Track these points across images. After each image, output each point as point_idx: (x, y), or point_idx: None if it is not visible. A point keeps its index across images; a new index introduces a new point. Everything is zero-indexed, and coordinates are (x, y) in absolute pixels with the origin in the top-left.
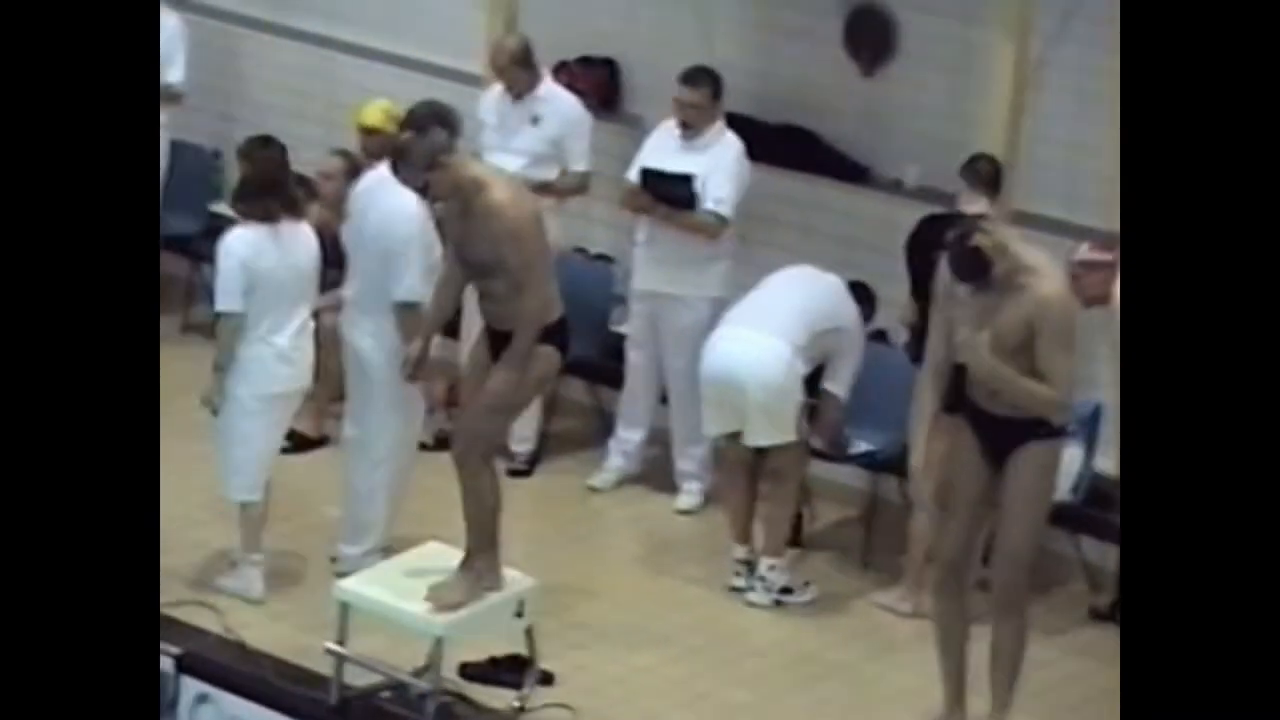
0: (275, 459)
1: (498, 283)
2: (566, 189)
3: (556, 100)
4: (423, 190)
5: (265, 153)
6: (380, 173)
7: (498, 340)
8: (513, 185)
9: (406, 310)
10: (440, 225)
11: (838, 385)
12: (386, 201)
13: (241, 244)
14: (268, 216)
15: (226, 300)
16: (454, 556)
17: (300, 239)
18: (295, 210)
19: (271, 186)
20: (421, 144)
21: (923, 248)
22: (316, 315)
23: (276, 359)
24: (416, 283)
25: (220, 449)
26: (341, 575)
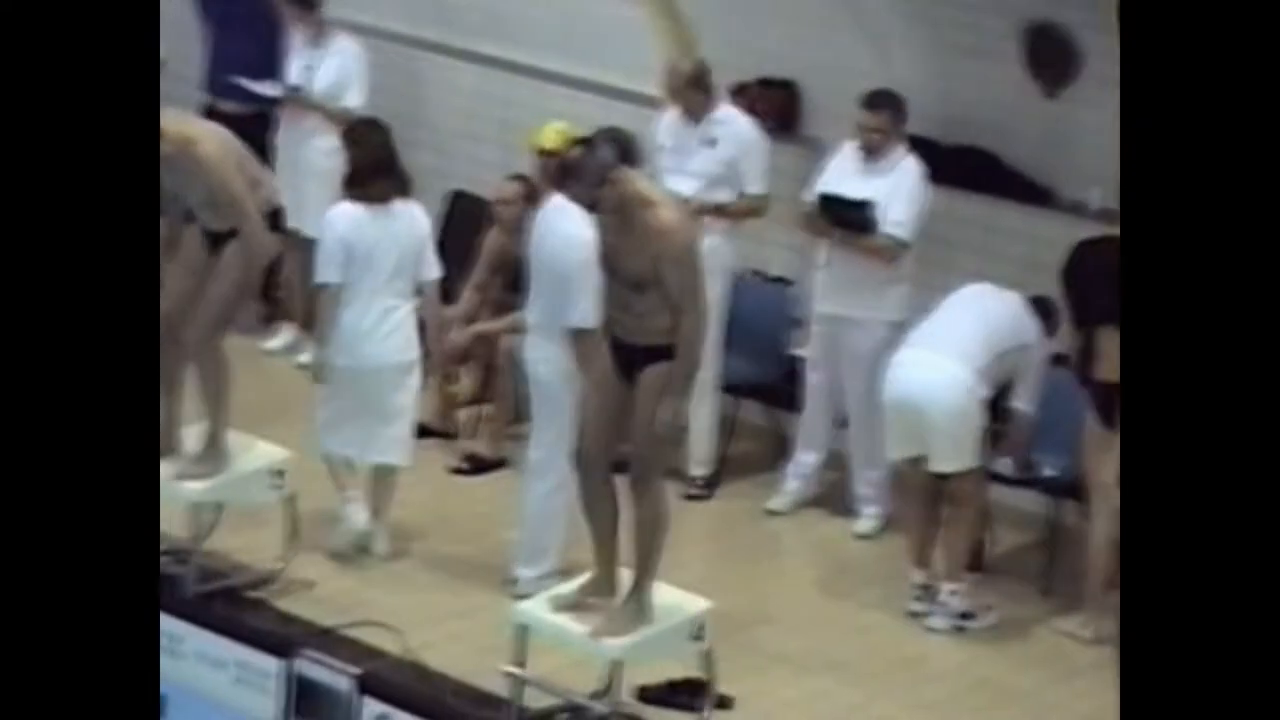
0: (437, 476)
1: (645, 299)
2: (741, 212)
3: (732, 123)
4: (592, 208)
5: (372, 135)
6: (559, 199)
7: (624, 354)
8: (680, 207)
9: (580, 336)
10: None
11: (1025, 402)
12: (563, 228)
13: (343, 220)
14: (381, 198)
15: (325, 273)
16: (629, 580)
17: (406, 219)
18: (405, 190)
19: (381, 168)
20: (591, 160)
21: (1080, 272)
22: (472, 323)
23: (370, 333)
24: (590, 309)
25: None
26: (520, 598)
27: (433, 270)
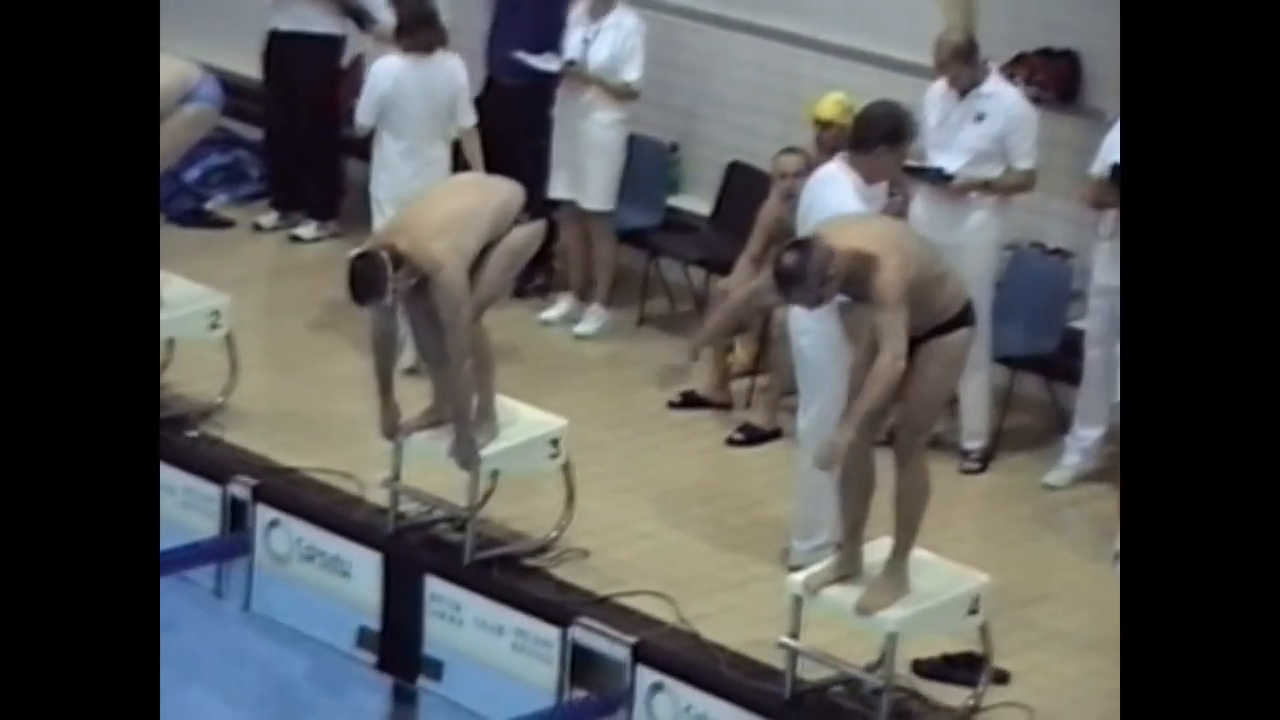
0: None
1: None
2: (1010, 187)
3: (1002, 96)
4: (819, 303)
5: None
6: (829, 169)
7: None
8: (895, 252)
9: (847, 309)
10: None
11: None
12: (831, 198)
13: (384, 74)
14: (426, 47)
15: (362, 116)
16: (917, 555)
17: (446, 70)
18: (445, 41)
19: (425, 19)
20: (809, 263)
21: None
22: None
23: (411, 176)
24: None
25: None
26: (794, 569)
27: (469, 117)
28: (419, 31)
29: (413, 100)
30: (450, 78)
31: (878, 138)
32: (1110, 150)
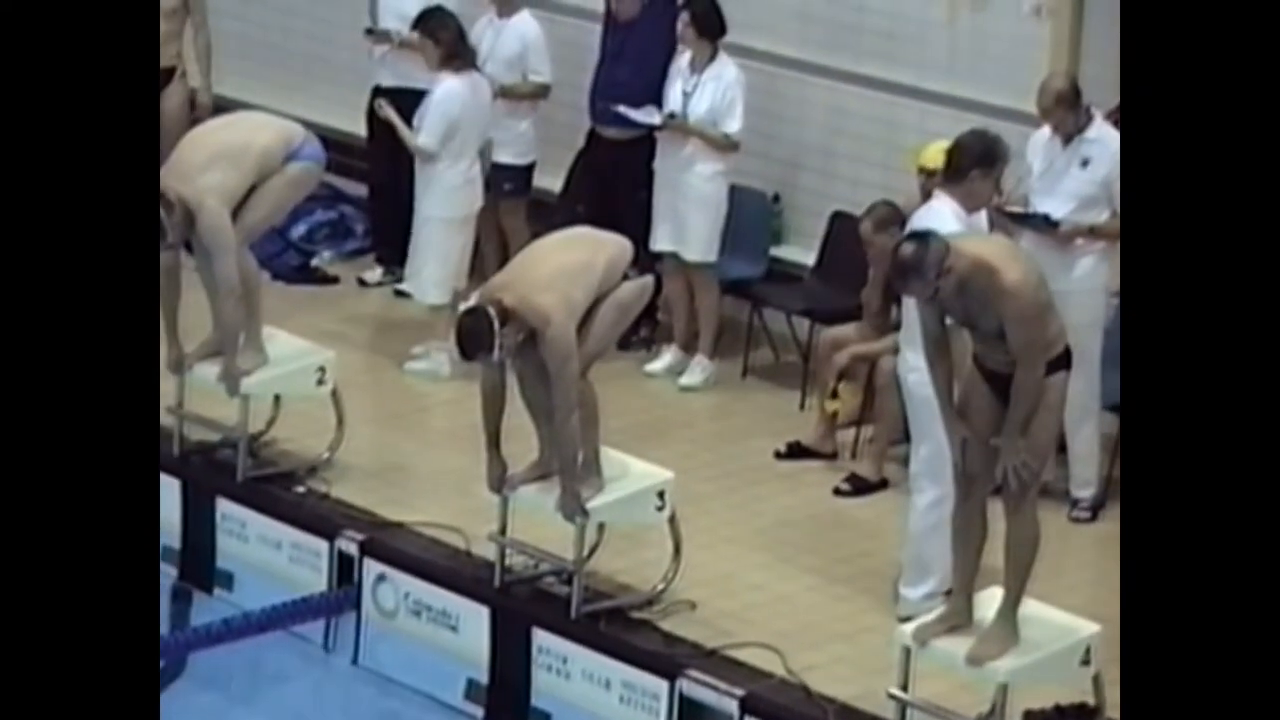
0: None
1: (1007, 342)
2: (1115, 233)
3: (1107, 141)
4: (934, 297)
5: (448, 20)
6: (931, 205)
7: (1000, 383)
8: (1018, 262)
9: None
10: None
11: None
12: (933, 225)
13: (453, 97)
14: (467, 68)
15: (433, 142)
16: (1029, 605)
17: (484, 86)
18: (476, 63)
19: (461, 44)
20: (926, 254)
21: None
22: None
23: (465, 184)
24: None
25: (421, 262)
26: (903, 619)
27: (490, 130)
28: (464, 51)
29: (473, 121)
30: (487, 96)
31: (970, 163)
32: None
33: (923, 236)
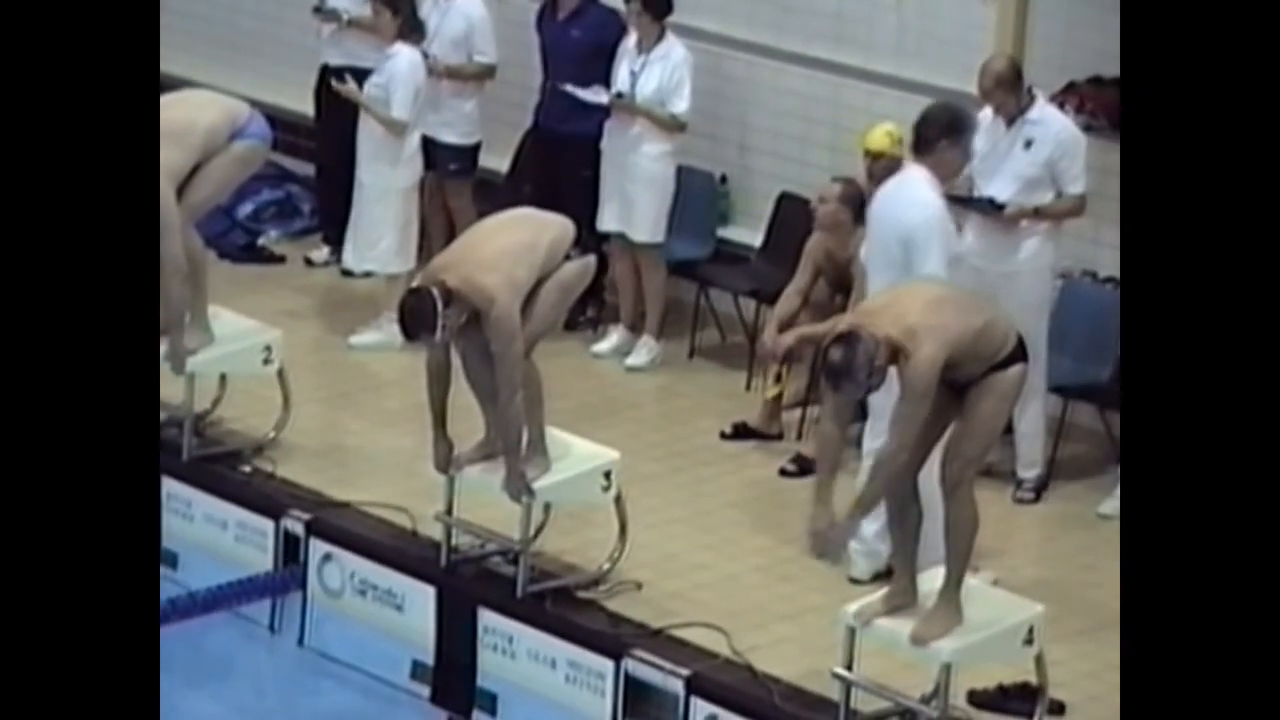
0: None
1: None
2: (1061, 212)
3: (1049, 122)
4: (869, 392)
5: None
6: (905, 171)
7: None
8: (933, 334)
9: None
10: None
11: None
12: (905, 194)
13: (416, 68)
14: (418, 40)
15: (407, 113)
16: (972, 585)
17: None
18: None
19: (415, 19)
20: (855, 357)
21: None
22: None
23: (416, 154)
24: (940, 267)
25: (378, 235)
26: (854, 580)
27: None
28: (418, 25)
29: (423, 90)
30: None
31: (938, 133)
32: None
33: (849, 339)
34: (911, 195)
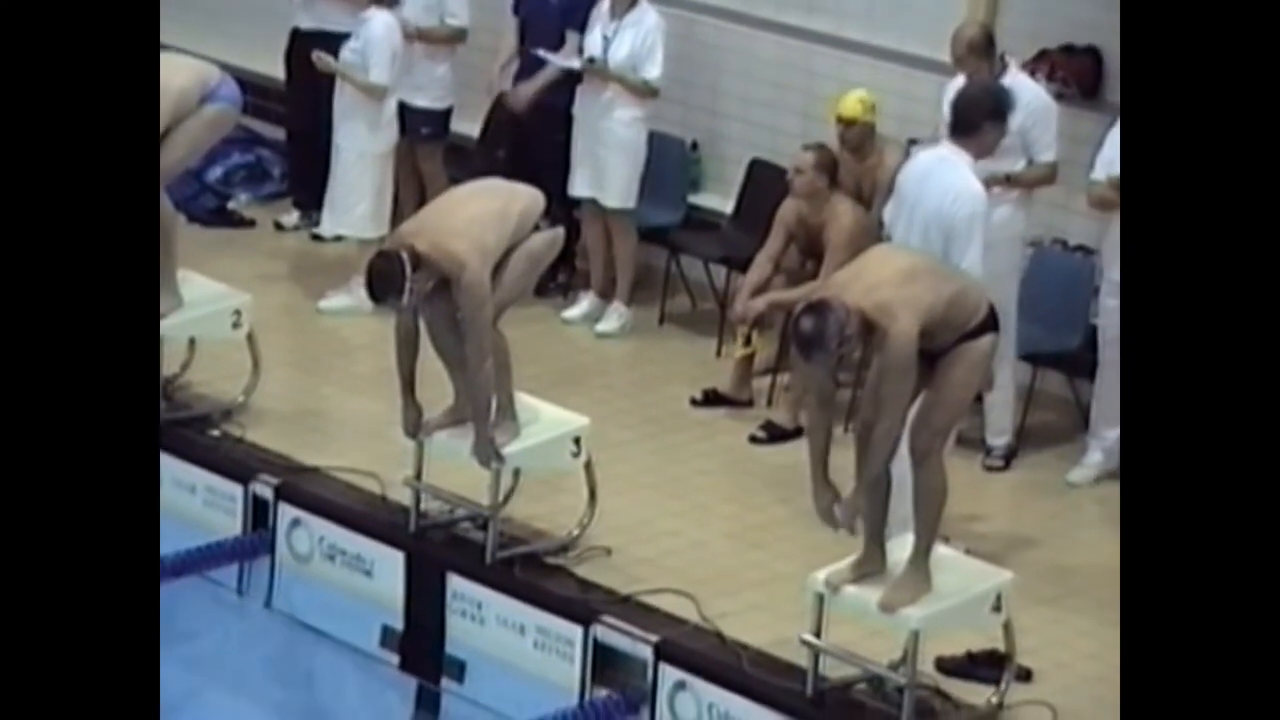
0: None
1: None
2: (1033, 180)
3: (1021, 90)
4: (840, 362)
5: None
6: (941, 152)
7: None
8: (906, 311)
9: None
10: None
11: None
12: (950, 182)
13: (394, 31)
14: (393, 3)
15: (388, 77)
16: (940, 552)
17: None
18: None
19: None
20: (826, 326)
21: None
22: None
23: (393, 119)
24: (978, 257)
25: (354, 200)
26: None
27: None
28: None
29: (400, 54)
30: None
31: (983, 116)
32: (1112, 149)
33: (820, 308)
34: (958, 184)
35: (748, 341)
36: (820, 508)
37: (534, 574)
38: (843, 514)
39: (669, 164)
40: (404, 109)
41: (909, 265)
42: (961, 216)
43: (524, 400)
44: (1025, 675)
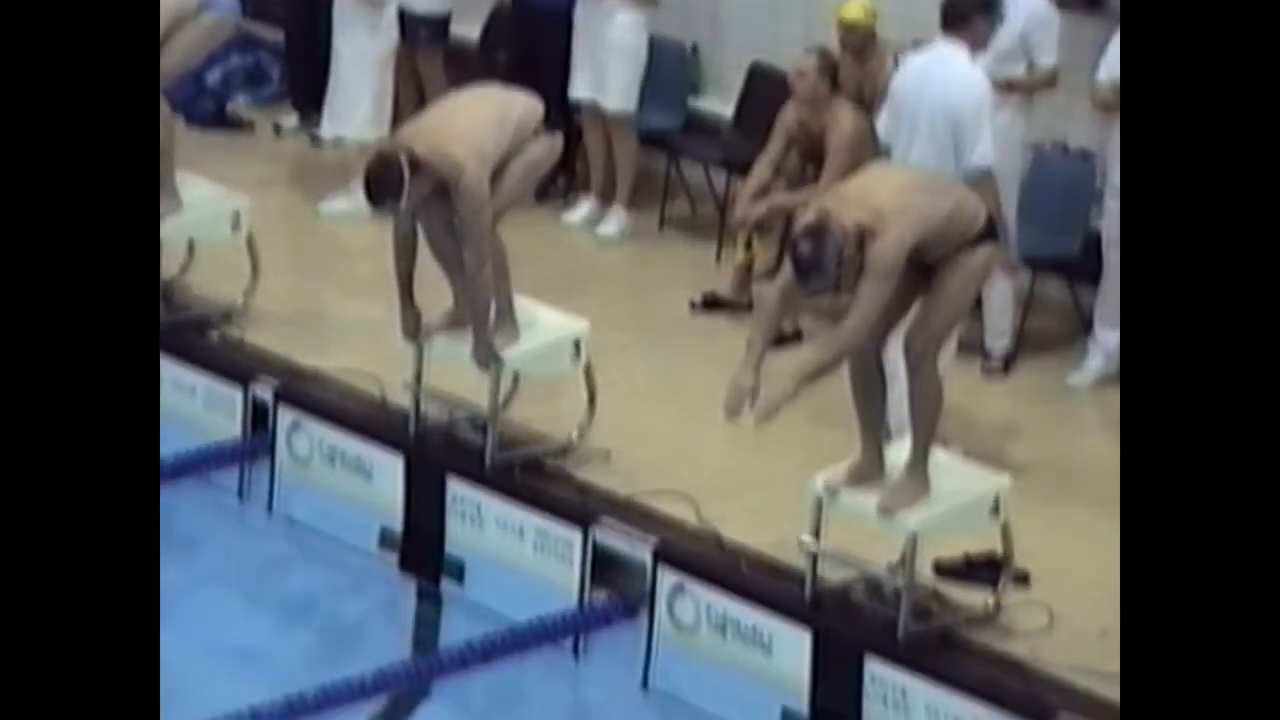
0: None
1: None
2: (1033, 84)
3: None
4: (838, 288)
5: None
6: (939, 50)
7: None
8: (892, 221)
9: (985, 177)
10: None
11: None
12: (950, 74)
13: None
14: None
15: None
16: (938, 456)
17: None
18: None
19: None
20: (823, 251)
21: None
22: None
23: (392, 21)
24: (989, 147)
25: (355, 103)
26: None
27: None
28: None
29: None
30: None
31: (972, 9)
32: (1116, 50)
33: (818, 231)
34: (958, 75)
35: (748, 246)
36: (736, 383)
37: (533, 477)
38: (770, 395)
39: (669, 67)
40: (404, 13)
41: (907, 180)
42: (969, 106)
43: (523, 304)
44: (1023, 578)
